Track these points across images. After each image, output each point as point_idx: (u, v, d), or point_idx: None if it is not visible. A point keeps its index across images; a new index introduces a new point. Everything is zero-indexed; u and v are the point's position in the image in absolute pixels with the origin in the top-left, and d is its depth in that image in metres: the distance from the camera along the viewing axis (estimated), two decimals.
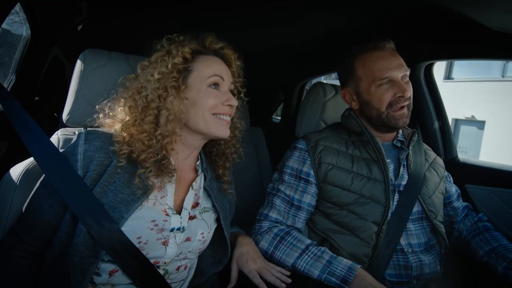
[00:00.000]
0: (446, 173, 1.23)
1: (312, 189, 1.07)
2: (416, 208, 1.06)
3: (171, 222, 0.79)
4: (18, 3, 1.22)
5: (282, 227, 1.05)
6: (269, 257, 0.99)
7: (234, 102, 0.83)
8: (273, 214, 1.07)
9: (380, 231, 1.01)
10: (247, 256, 0.94)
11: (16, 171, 0.83)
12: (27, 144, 0.75)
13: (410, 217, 1.05)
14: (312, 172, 1.07)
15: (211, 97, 0.80)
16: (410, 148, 1.11)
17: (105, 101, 0.83)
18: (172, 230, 0.79)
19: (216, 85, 0.82)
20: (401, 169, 1.09)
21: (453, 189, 1.23)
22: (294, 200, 1.07)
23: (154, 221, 0.76)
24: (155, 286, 0.77)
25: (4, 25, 1.06)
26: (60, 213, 0.73)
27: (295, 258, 0.97)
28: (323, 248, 0.98)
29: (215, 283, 0.99)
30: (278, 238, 1.01)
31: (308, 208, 1.07)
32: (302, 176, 1.08)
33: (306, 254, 0.96)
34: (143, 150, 0.75)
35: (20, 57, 1.50)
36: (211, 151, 0.94)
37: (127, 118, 0.78)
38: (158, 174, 0.77)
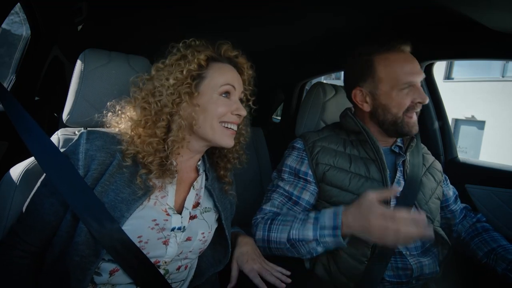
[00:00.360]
0: (444, 176, 1.23)
1: (312, 187, 1.07)
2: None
3: (172, 221, 0.79)
4: (18, 3, 1.22)
5: (272, 214, 1.04)
6: (267, 243, 0.98)
7: (243, 112, 0.84)
8: (268, 207, 1.07)
9: None
10: (247, 255, 0.94)
11: (16, 171, 0.84)
12: (28, 144, 0.75)
13: None
14: (310, 172, 1.07)
15: (221, 105, 0.81)
16: (408, 154, 1.10)
17: (114, 100, 0.83)
18: (172, 229, 0.79)
19: (227, 93, 0.83)
20: (398, 174, 1.08)
21: (450, 192, 1.23)
22: (293, 195, 1.07)
23: (154, 220, 0.77)
24: (155, 286, 0.77)
25: (4, 25, 1.06)
26: (61, 212, 0.73)
27: (287, 231, 0.95)
28: (309, 212, 0.97)
29: (215, 283, 0.99)
30: (269, 222, 1.00)
31: (305, 206, 1.06)
32: (301, 175, 1.08)
33: (295, 223, 0.95)
34: (151, 153, 0.76)
35: (20, 57, 1.50)
36: (213, 153, 0.94)
37: (138, 118, 0.78)
38: (160, 175, 0.77)
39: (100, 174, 0.73)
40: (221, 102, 0.81)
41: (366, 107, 1.08)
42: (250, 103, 0.92)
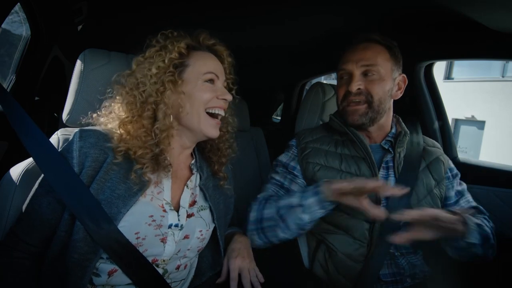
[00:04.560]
0: (451, 173, 1.16)
1: (300, 180, 1.10)
2: None
3: (168, 218, 0.80)
4: (18, 3, 1.22)
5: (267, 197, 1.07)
6: (259, 222, 0.99)
7: (229, 97, 0.86)
8: (262, 195, 1.09)
9: (374, 228, 1.00)
10: (238, 252, 0.94)
11: (16, 171, 0.84)
12: (26, 145, 0.75)
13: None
14: (298, 167, 1.11)
15: (207, 91, 0.82)
16: (399, 149, 1.07)
17: (106, 101, 0.84)
18: (170, 226, 0.79)
19: (211, 81, 0.84)
20: (382, 171, 1.05)
21: (452, 192, 1.15)
22: (284, 184, 1.10)
23: (151, 216, 0.77)
24: (154, 286, 0.77)
25: (4, 25, 1.06)
26: (59, 210, 0.73)
27: (278, 204, 0.98)
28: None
29: (215, 284, 0.99)
30: (264, 201, 1.03)
31: None
32: (289, 169, 1.12)
33: (285, 195, 1.00)
34: (140, 146, 0.76)
35: (20, 57, 1.50)
36: (204, 148, 0.95)
37: (125, 115, 0.79)
38: (154, 169, 0.78)
39: (95, 171, 0.74)
40: (206, 88, 0.83)
41: None
42: (233, 92, 0.93)
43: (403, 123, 1.14)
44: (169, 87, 0.79)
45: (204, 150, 0.96)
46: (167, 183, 0.83)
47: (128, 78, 0.81)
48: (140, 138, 0.77)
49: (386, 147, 1.09)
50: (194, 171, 0.91)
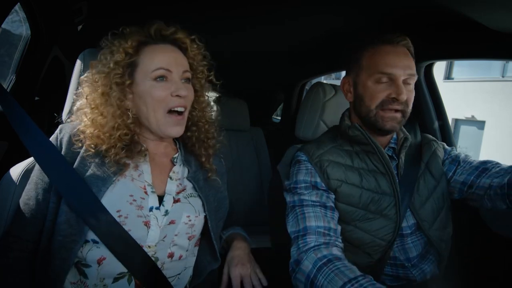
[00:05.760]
0: (445, 156, 1.13)
1: (332, 196, 1.00)
2: (411, 221, 1.01)
3: (149, 201, 0.80)
4: (18, 3, 1.22)
5: (334, 252, 0.87)
6: (310, 282, 0.83)
7: (182, 92, 0.80)
8: (312, 223, 0.93)
9: (389, 247, 0.95)
10: (238, 259, 0.92)
11: (16, 171, 0.84)
12: (27, 144, 0.76)
13: (406, 232, 1.01)
14: (323, 184, 1.00)
15: (157, 89, 0.79)
16: (402, 155, 1.04)
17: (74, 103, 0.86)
18: (151, 209, 0.79)
19: (163, 77, 0.80)
20: None
21: (445, 168, 1.10)
22: (327, 204, 0.97)
23: (132, 195, 0.78)
24: (147, 274, 0.77)
25: (4, 25, 1.06)
26: (48, 198, 0.75)
27: (338, 287, 0.77)
28: (377, 284, 0.76)
29: (215, 283, 0.99)
30: (324, 260, 0.84)
31: (337, 213, 0.98)
32: (319, 187, 1.00)
33: (352, 285, 0.75)
34: (104, 142, 0.78)
35: (20, 57, 1.50)
36: (186, 143, 0.94)
37: (85, 118, 0.81)
38: (128, 155, 0.80)
39: (73, 159, 0.77)
40: (155, 86, 0.79)
41: (349, 97, 1.06)
42: (212, 77, 0.90)
43: (403, 127, 1.09)
44: (114, 89, 0.78)
45: (186, 145, 0.94)
46: (145, 167, 0.84)
47: (83, 83, 0.83)
48: (99, 137, 0.78)
49: (390, 154, 1.05)
50: (175, 162, 0.90)
